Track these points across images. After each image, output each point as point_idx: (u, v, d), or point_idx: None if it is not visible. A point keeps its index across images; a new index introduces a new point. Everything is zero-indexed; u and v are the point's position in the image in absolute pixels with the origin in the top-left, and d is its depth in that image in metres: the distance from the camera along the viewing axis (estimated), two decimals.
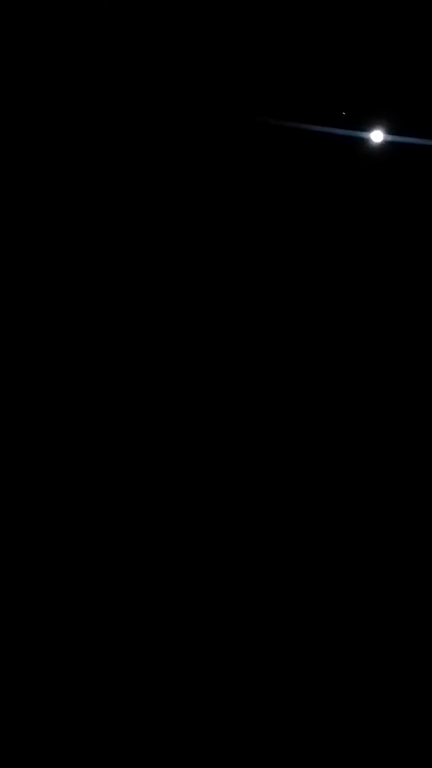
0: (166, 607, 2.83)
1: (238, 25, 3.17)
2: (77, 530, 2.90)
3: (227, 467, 3.05)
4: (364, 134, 3.25)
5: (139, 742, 2.61)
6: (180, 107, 3.21)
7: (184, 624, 2.81)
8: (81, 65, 3.14)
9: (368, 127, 3.24)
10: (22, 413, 3.01)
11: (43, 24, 3.10)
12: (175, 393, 3.12)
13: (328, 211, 3.29)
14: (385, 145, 3.25)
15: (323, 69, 3.22)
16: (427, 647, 2.82)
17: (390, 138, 3.25)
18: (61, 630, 2.75)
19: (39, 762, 2.55)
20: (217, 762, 2.60)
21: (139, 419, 3.08)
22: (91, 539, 2.90)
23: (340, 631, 2.85)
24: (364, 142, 3.25)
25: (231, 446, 3.09)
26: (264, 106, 3.22)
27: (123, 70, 3.17)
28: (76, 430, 3.02)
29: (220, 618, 2.83)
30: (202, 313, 3.20)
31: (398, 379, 3.20)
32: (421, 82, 3.22)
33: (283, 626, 2.85)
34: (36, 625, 2.75)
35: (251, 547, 2.96)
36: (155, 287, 3.19)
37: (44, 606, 2.78)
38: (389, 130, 3.24)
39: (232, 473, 3.05)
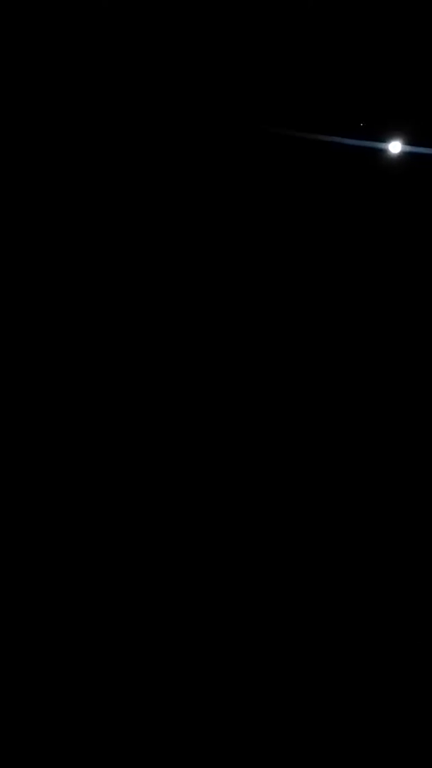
0: (165, 605, 2.81)
1: (256, 37, 3.23)
2: (77, 530, 2.89)
3: (227, 464, 3.03)
4: (382, 145, 3.26)
5: (139, 742, 2.58)
6: (199, 123, 3.26)
7: (184, 623, 2.78)
8: (83, 69, 3.19)
9: (386, 138, 3.26)
10: (22, 413, 3.02)
11: (44, 25, 3.15)
12: (175, 392, 3.10)
13: (347, 222, 3.29)
14: (404, 156, 3.26)
15: (342, 80, 3.25)
16: (427, 647, 2.75)
17: (408, 149, 3.26)
18: (61, 629, 2.74)
19: (39, 762, 2.52)
20: (217, 762, 2.56)
21: (139, 418, 3.07)
22: (91, 538, 2.88)
23: (340, 629, 2.81)
24: (383, 153, 3.27)
25: (231, 444, 3.06)
26: (283, 117, 3.25)
27: (141, 76, 3.24)
28: (76, 430, 3.02)
29: (220, 616, 2.80)
30: (213, 316, 3.20)
31: (399, 380, 3.17)
32: None
33: (283, 624, 2.81)
34: (36, 625, 2.73)
35: (251, 545, 2.93)
36: (160, 288, 3.20)
37: (44, 605, 2.77)
38: (407, 141, 3.25)
39: (232, 470, 3.02)
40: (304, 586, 2.86)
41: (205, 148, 3.26)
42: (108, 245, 3.21)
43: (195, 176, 3.26)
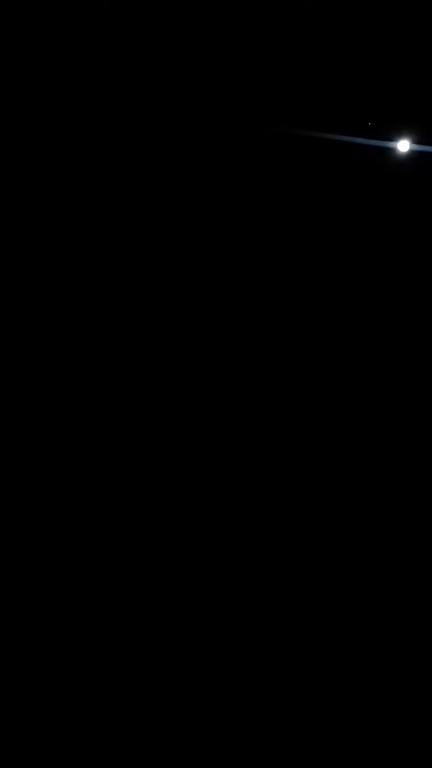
0: (165, 605, 2.83)
1: (263, 36, 3.18)
2: (77, 530, 2.90)
3: (227, 463, 3.05)
4: (390, 144, 3.25)
5: (139, 742, 2.60)
6: (202, 120, 3.22)
7: (183, 622, 2.81)
8: (83, 67, 3.14)
9: (395, 136, 3.24)
10: (22, 412, 3.02)
11: (44, 25, 3.10)
12: (175, 392, 3.11)
13: (355, 221, 3.29)
14: (412, 154, 3.25)
15: (350, 80, 3.22)
16: (427, 647, 2.81)
17: (416, 147, 3.25)
18: (61, 629, 2.75)
19: (39, 762, 2.55)
20: (217, 762, 2.60)
21: (139, 417, 3.08)
22: (91, 538, 2.90)
23: (339, 628, 2.84)
24: (391, 151, 3.25)
25: (231, 443, 3.08)
26: (290, 116, 3.22)
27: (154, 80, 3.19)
28: (76, 430, 3.02)
29: (220, 616, 2.83)
30: (221, 310, 3.21)
31: (400, 381, 3.21)
32: None
33: (283, 624, 2.84)
34: (36, 625, 2.75)
35: (251, 545, 2.95)
36: (167, 289, 3.20)
37: (44, 605, 2.78)
38: (416, 140, 3.24)
39: (232, 469, 3.04)
40: (303, 584, 2.89)
41: (213, 147, 3.23)
42: (108, 241, 3.19)
43: (201, 176, 3.23)
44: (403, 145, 3.25)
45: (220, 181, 3.24)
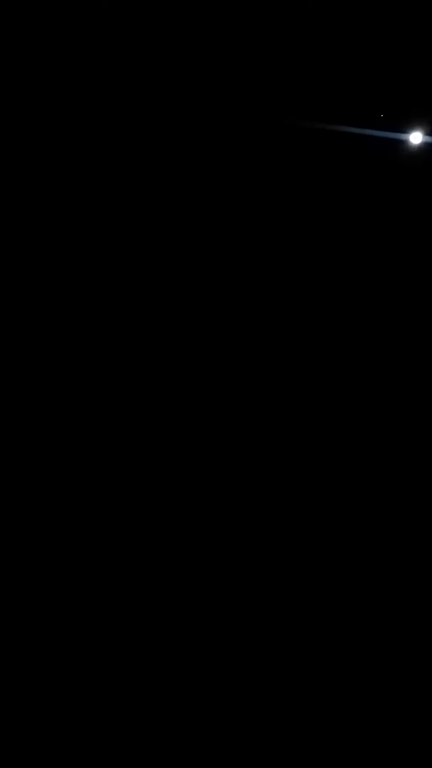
0: (165, 606, 2.81)
1: (273, 26, 3.19)
2: (77, 530, 2.89)
3: (227, 464, 3.03)
4: (402, 136, 3.23)
5: (139, 742, 2.58)
6: (208, 109, 3.23)
7: (184, 623, 2.79)
8: (86, 65, 3.16)
9: (406, 128, 3.22)
10: (22, 412, 3.01)
11: (44, 25, 3.11)
12: (175, 392, 3.10)
13: (367, 213, 3.27)
14: (424, 146, 3.23)
15: (361, 71, 3.21)
16: (426, 647, 2.77)
17: (429, 139, 3.22)
18: (61, 629, 2.74)
19: (39, 762, 2.54)
20: (217, 762, 2.57)
21: (140, 417, 3.06)
22: (91, 538, 2.88)
23: (339, 629, 2.81)
24: (403, 143, 3.23)
25: (231, 443, 3.06)
26: (302, 107, 3.22)
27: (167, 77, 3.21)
28: (77, 430, 3.01)
29: (220, 617, 2.80)
30: (229, 317, 3.20)
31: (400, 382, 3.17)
32: None
33: (283, 625, 2.81)
34: (36, 625, 2.74)
35: (251, 546, 2.93)
36: (161, 285, 3.19)
37: (44, 605, 2.77)
38: (428, 132, 3.22)
39: (232, 470, 3.02)
40: (303, 586, 2.86)
41: (225, 140, 3.24)
42: (108, 237, 3.19)
43: (213, 169, 3.24)
44: (416, 137, 3.23)
45: (232, 173, 3.24)
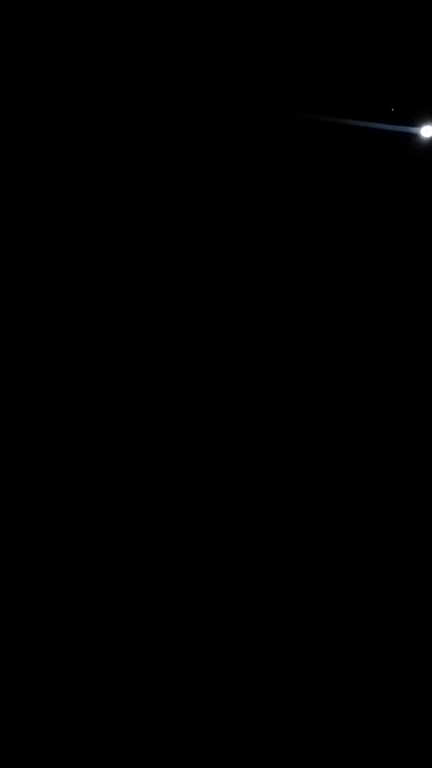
0: (166, 608, 2.80)
1: (282, 18, 3.14)
2: (77, 530, 2.86)
3: (227, 466, 2.99)
4: (413, 130, 3.18)
5: (139, 742, 2.60)
6: (216, 102, 3.18)
7: (184, 624, 2.77)
8: (86, 62, 3.11)
9: (418, 122, 3.18)
10: (22, 413, 2.98)
11: (44, 24, 3.08)
12: (175, 392, 3.05)
13: (377, 209, 3.22)
14: None
15: (371, 64, 3.17)
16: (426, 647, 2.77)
17: None
18: (61, 629, 2.73)
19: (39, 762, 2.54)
20: (217, 762, 2.58)
21: (139, 419, 3.02)
22: (91, 539, 2.86)
23: (339, 630, 2.81)
24: (414, 137, 3.19)
25: (231, 445, 3.02)
26: (310, 101, 3.17)
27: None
28: (77, 431, 2.97)
29: (220, 618, 2.79)
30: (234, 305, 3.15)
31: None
32: None
33: (283, 626, 2.81)
34: (36, 626, 2.73)
35: (251, 548, 2.91)
36: (162, 284, 3.13)
37: (45, 606, 2.76)
38: None
39: (231, 473, 2.99)
40: (303, 588, 2.86)
41: (235, 136, 3.19)
42: (108, 233, 3.14)
43: (224, 165, 3.19)
44: (427, 131, 3.18)
45: (242, 168, 3.19)
